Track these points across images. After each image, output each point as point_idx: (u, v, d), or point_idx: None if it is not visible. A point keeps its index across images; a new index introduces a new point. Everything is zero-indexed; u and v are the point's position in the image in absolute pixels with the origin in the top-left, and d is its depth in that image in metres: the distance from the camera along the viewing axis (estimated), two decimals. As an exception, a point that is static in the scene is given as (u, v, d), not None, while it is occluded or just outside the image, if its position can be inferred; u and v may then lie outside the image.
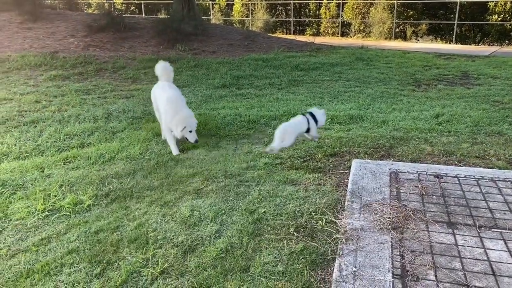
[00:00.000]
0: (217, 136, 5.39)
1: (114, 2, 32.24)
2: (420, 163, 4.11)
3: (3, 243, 3.10)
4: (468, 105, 6.73)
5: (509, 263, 2.48)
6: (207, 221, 3.21)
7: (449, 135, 5.09)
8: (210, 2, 31.27)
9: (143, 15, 27.11)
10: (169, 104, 4.96)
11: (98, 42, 12.64)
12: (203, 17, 22.76)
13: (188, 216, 3.30)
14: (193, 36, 13.56)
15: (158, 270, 2.64)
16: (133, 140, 5.30)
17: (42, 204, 3.61)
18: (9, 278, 2.68)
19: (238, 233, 3.01)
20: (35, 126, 5.96)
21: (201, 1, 31.77)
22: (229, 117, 6.19)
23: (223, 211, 3.34)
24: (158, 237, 3.04)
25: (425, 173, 3.73)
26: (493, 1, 20.20)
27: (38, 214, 3.49)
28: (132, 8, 32.08)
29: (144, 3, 30.41)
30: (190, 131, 4.82)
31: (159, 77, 5.56)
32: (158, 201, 3.61)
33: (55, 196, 3.77)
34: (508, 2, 19.84)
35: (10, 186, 4.07)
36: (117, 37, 13.23)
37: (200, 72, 10.17)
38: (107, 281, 2.58)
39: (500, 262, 2.50)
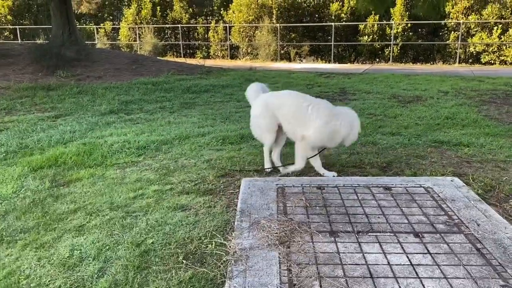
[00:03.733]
0: (103, 166, 5.08)
1: (-16, 27, 29.34)
2: (305, 176, 4.31)
3: None
4: (346, 119, 7.29)
5: (384, 264, 2.69)
6: (89, 260, 2.96)
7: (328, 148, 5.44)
8: (94, 26, 30.04)
9: (19, 41, 24.96)
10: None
11: (-37, 71, 11.30)
12: (87, 42, 21.71)
13: (68, 256, 3.02)
14: (76, 61, 12.83)
15: (30, 323, 2.35)
16: (6, 178, 4.75)
17: None
18: None
19: (124, 268, 2.82)
20: None
21: (84, 26, 30.37)
22: (116, 144, 5.89)
23: (107, 247, 3.12)
24: (31, 284, 2.73)
25: (308, 185, 3.92)
26: (362, 24, 22.49)
27: None
28: (6, 33, 29.40)
29: (19, 28, 28.09)
30: None
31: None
32: (33, 244, 3.25)
33: None
34: (376, 24, 22.26)
35: None
36: (-13, 65, 11.96)
37: (85, 98, 9.60)
38: None
39: (376, 264, 2.69)
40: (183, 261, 2.86)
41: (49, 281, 2.75)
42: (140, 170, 4.84)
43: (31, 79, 11.33)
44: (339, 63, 21.87)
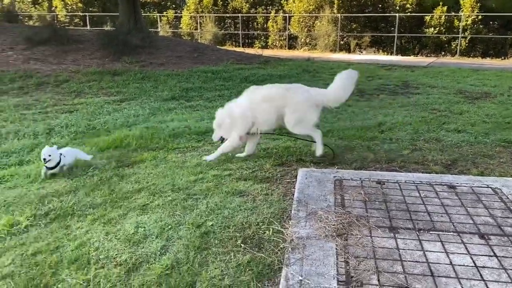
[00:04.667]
0: (165, 150, 5.28)
1: (57, 14, 31.16)
2: (364, 170, 4.24)
3: None
4: (408, 113, 7.06)
5: (446, 264, 2.60)
6: (152, 238, 3.12)
7: (391, 143, 5.30)
8: (157, 14, 30.98)
9: (88, 28, 26.33)
10: None
11: (40, 55, 12.11)
12: (150, 30, 22.47)
13: (133, 233, 3.20)
14: (140, 48, 13.34)
15: (100, 292, 2.52)
16: (76, 156, 5.07)
17: (-27, 228, 3.37)
18: None
19: (185, 248, 2.94)
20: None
21: (148, 14, 31.40)
22: (178, 129, 6.10)
23: (169, 227, 3.26)
24: (100, 256, 2.92)
25: (367, 179, 3.85)
26: (429, 15, 21.46)
27: None
28: (76, 20, 31.10)
29: (89, 15, 29.60)
30: None
31: None
32: (101, 219, 3.47)
33: None
34: (443, 16, 21.16)
35: None
36: (60, 50, 12.74)
37: (148, 84, 9.99)
38: (43, 306, 2.43)
39: (438, 263, 2.61)
40: (241, 245, 2.94)
41: (116, 254, 2.93)
42: (200, 155, 4.99)
43: (98, 64, 11.94)
44: (401, 55, 21.05)
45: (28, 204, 3.77)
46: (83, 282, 2.63)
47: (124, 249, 2.99)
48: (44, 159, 4.35)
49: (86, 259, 2.88)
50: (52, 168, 4.44)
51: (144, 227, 3.27)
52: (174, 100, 8.52)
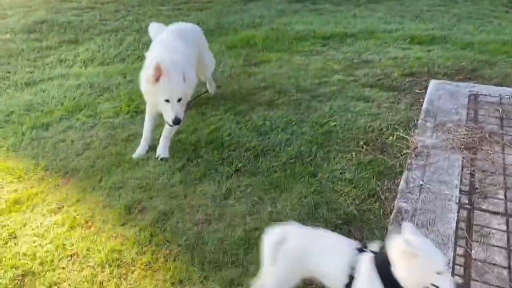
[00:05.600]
0: (289, 52, 5.35)
1: None
2: (505, 87, 3.86)
3: (96, 136, 3.46)
4: None
5: None
6: (278, 130, 3.34)
7: (542, 60, 4.67)
8: None
9: None
10: None
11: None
12: None
13: (260, 125, 3.46)
14: None
15: (233, 169, 2.86)
16: (208, 53, 5.41)
17: (126, 106, 3.93)
18: (103, 165, 3.04)
19: (307, 142, 3.13)
20: (116, 35, 6.25)
21: None
22: (302, 32, 6.06)
23: (293, 122, 3.45)
24: (232, 141, 3.24)
25: (508, 97, 3.52)
26: None
27: (124, 114, 3.82)
28: None
29: None
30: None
31: None
32: (232, 110, 3.78)
33: (138, 99, 4.05)
34: None
35: (97, 88, 4.42)
36: None
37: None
38: (187, 174, 2.86)
39: None
40: (364, 146, 3.02)
41: (246, 141, 3.23)
42: (324, 60, 4.97)
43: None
44: None
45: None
46: (218, 160, 2.99)
47: (253, 137, 3.27)
48: None
49: (220, 142, 3.24)
50: None
51: (271, 121, 3.50)
52: (299, 3, 8.31)
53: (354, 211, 2.40)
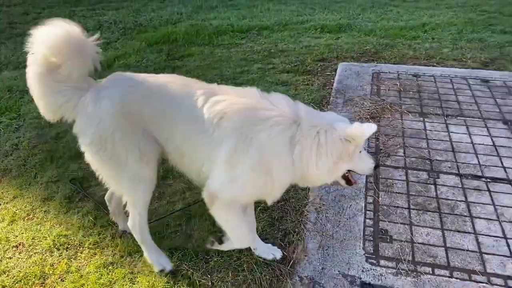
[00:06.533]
0: (211, 45, 5.57)
1: None
2: (402, 65, 4.41)
3: (23, 136, 3.43)
4: (455, 15, 6.87)
5: (467, 143, 2.91)
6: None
7: (432, 42, 5.34)
8: None
9: None
10: None
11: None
12: None
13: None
14: None
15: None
16: (129, 50, 5.46)
17: (51, 106, 3.90)
18: (35, 162, 3.04)
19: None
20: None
21: None
22: (221, 27, 6.30)
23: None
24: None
25: (404, 73, 4.06)
26: None
27: (50, 114, 3.78)
28: None
29: None
30: None
31: None
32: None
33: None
34: None
35: (16, 91, 4.31)
36: None
37: (189, -17, 9.94)
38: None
39: (460, 142, 2.93)
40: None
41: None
42: (244, 51, 5.25)
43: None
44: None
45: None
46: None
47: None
48: None
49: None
50: None
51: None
52: (216, -1, 8.57)
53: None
